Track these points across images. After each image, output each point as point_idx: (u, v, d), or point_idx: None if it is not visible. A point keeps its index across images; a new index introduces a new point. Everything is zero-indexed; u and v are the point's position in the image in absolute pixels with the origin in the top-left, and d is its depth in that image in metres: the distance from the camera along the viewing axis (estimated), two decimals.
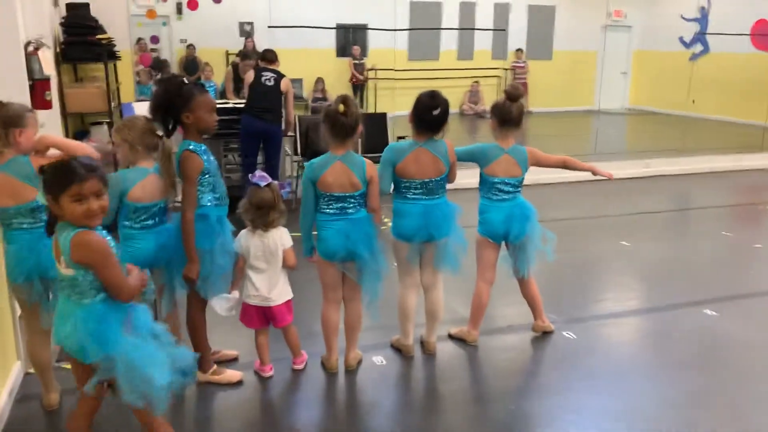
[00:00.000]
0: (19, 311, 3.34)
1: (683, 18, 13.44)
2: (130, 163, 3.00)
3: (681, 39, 13.87)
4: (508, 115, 3.51)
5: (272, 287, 3.21)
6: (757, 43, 12.25)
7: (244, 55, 9.55)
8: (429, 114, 3.27)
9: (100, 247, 2.19)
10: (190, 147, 2.94)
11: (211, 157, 3.04)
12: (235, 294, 3.21)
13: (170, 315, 3.23)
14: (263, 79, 6.05)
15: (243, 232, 3.23)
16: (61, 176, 2.14)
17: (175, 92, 2.95)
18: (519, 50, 14.55)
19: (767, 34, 11.84)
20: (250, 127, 6.02)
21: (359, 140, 3.10)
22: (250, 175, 3.22)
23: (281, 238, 3.21)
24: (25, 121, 2.85)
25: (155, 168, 2.99)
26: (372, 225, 3.17)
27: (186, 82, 2.99)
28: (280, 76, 6.12)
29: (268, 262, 3.20)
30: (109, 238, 2.26)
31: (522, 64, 14.49)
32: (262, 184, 3.14)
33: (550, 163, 3.71)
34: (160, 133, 3.00)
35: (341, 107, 3.03)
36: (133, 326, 2.29)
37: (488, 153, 3.55)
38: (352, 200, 3.12)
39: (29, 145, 2.84)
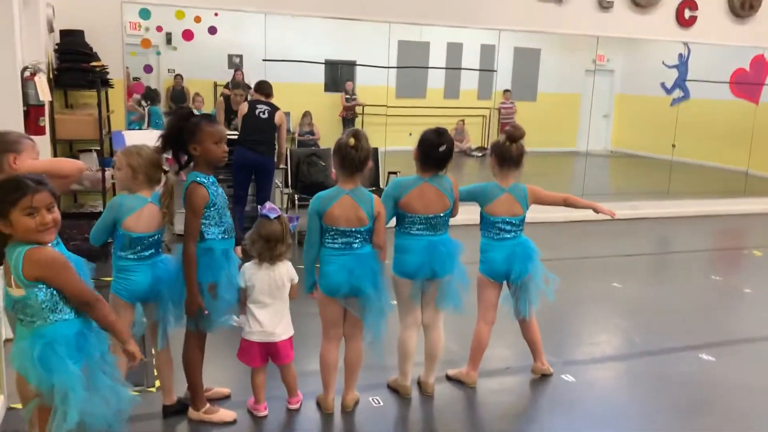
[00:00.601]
0: (2, 339, 3.23)
1: (664, 64, 13.77)
2: (128, 189, 2.94)
3: (662, 84, 14.18)
4: (508, 154, 3.52)
5: (278, 322, 3.12)
6: (736, 91, 12.56)
7: (234, 84, 9.53)
8: (435, 151, 3.27)
9: (55, 258, 2.12)
10: (197, 179, 2.88)
11: (219, 190, 2.97)
12: (242, 318, 3.13)
13: (163, 351, 3.13)
14: (257, 111, 6.03)
15: (248, 264, 3.14)
16: (10, 191, 2.08)
17: (181, 124, 2.90)
18: (507, 91, 14.69)
19: (746, 83, 12.17)
20: (244, 159, 5.97)
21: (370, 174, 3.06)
22: (260, 206, 3.15)
23: (288, 271, 3.14)
24: (20, 146, 2.77)
25: (153, 197, 2.93)
26: (377, 261, 3.11)
27: (194, 113, 2.94)
28: (274, 108, 6.10)
29: (274, 297, 3.11)
30: (67, 254, 2.19)
31: (510, 105, 14.64)
32: (272, 216, 3.07)
33: (552, 201, 3.71)
34: (166, 168, 2.94)
35: (351, 141, 3.00)
36: (85, 351, 2.19)
37: (488, 192, 3.54)
38: (358, 235, 3.07)
39: (24, 172, 2.76)
